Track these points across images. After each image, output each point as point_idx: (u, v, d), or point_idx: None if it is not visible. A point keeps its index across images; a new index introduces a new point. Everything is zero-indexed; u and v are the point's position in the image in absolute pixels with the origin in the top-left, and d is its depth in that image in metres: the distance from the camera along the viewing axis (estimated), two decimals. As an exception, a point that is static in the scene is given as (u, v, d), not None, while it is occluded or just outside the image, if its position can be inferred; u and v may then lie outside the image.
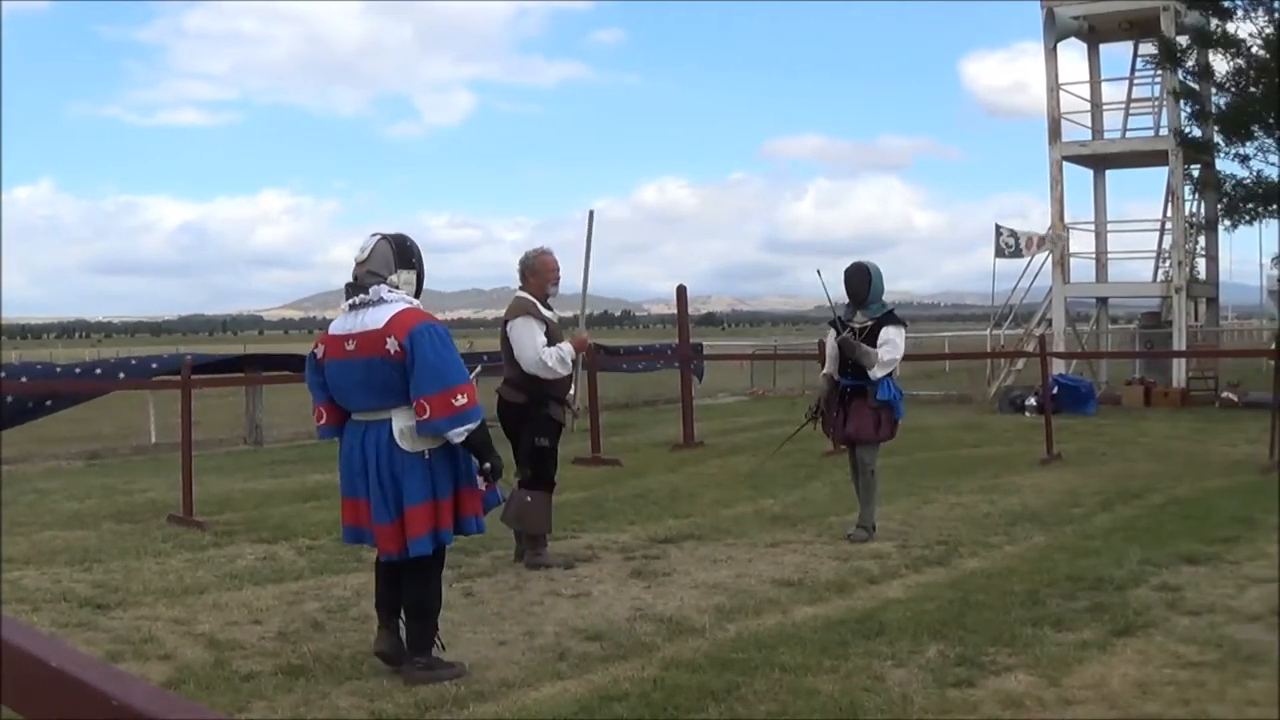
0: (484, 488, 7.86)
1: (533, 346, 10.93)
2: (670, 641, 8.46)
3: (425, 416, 7.26)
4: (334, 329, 7.70)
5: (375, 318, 7.43)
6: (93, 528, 13.43)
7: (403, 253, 7.74)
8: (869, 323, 12.14)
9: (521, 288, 11.31)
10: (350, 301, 7.60)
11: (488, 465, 7.67)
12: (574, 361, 11.24)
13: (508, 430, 11.37)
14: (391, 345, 7.30)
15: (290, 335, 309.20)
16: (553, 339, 11.04)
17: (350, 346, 7.48)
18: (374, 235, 7.80)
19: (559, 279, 11.45)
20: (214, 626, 8.97)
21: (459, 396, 7.30)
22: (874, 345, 11.98)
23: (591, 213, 11.47)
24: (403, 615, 7.85)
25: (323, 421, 7.94)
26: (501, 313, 11.60)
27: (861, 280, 12.23)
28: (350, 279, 7.71)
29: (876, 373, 11.95)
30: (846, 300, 12.41)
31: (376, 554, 7.87)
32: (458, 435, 7.37)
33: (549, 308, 11.33)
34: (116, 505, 15.17)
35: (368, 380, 7.43)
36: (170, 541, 12.41)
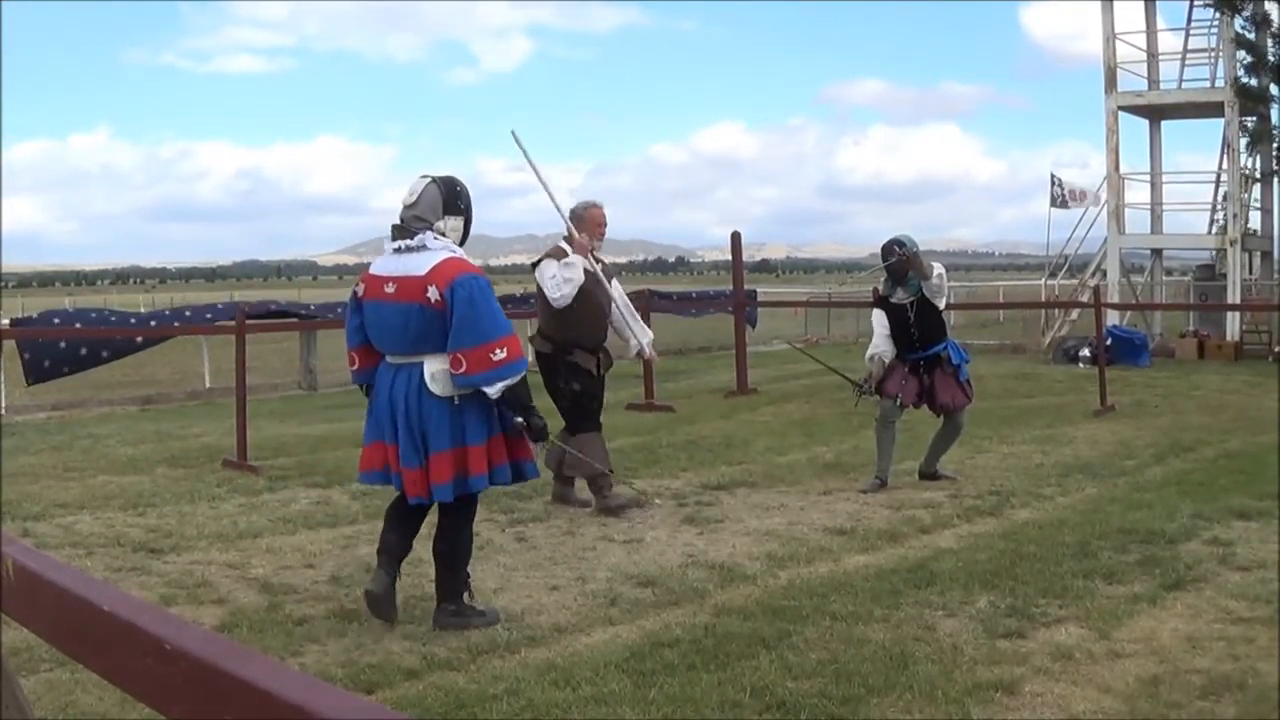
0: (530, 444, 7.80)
1: (546, 279, 11.10)
2: (722, 588, 8.49)
3: (461, 370, 7.21)
4: (375, 269, 7.62)
5: (418, 264, 7.34)
6: (147, 473, 13.54)
7: (452, 198, 7.64)
8: (913, 299, 12.02)
9: (565, 238, 11.38)
10: (395, 245, 7.49)
11: (520, 421, 7.58)
12: (592, 275, 11.26)
13: (544, 379, 11.46)
14: (432, 294, 7.22)
15: (345, 281, 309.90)
16: (584, 287, 11.10)
17: (390, 289, 7.40)
18: (423, 177, 7.68)
19: (604, 233, 11.60)
20: (267, 571, 9.04)
21: (498, 350, 7.23)
22: (928, 318, 12.10)
23: (513, 131, 11.24)
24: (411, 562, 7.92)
25: (355, 366, 7.92)
26: None
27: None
28: (397, 220, 7.60)
29: (934, 284, 11.87)
30: (886, 276, 12.20)
31: (394, 500, 7.93)
32: (494, 391, 7.31)
33: (598, 259, 11.39)
34: (171, 450, 15.29)
35: (404, 325, 7.34)
36: (224, 486, 12.52)
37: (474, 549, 9.70)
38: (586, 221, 11.36)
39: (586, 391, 11.36)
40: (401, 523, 7.90)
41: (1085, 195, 32.69)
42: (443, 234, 7.52)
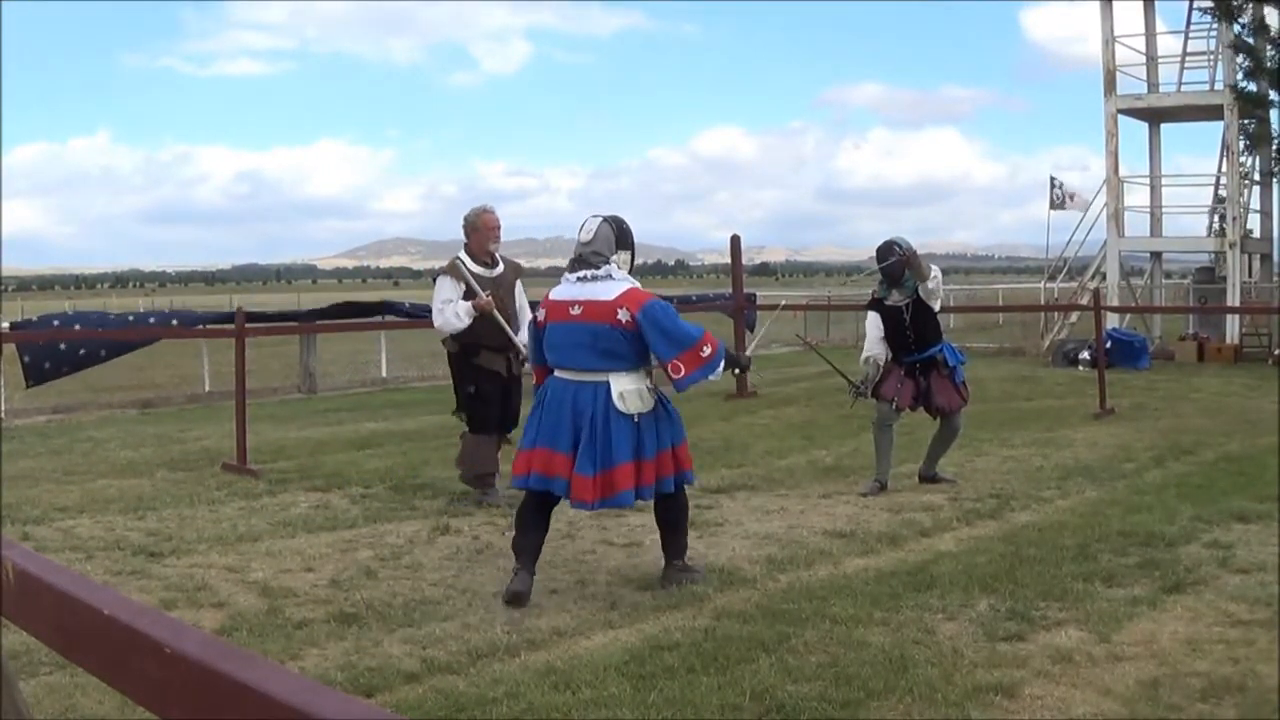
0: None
1: (436, 303, 11.72)
2: (721, 592, 8.47)
3: (681, 375, 8.41)
4: (557, 295, 8.62)
5: (605, 290, 8.39)
6: (147, 476, 13.52)
7: (621, 235, 8.70)
8: (909, 300, 12.05)
9: (465, 245, 11.85)
10: (579, 275, 8.52)
11: (736, 370, 9.79)
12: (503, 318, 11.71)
13: (452, 380, 12.23)
14: (623, 315, 8.27)
15: (344, 284, 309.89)
16: (474, 294, 11.55)
17: (576, 311, 8.40)
18: (595, 216, 8.77)
19: (499, 237, 12.01)
20: (267, 574, 9.03)
21: (705, 348, 8.43)
22: (924, 320, 12.10)
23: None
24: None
25: (537, 383, 8.84)
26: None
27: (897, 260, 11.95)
28: (574, 255, 8.67)
29: (930, 285, 11.88)
30: (882, 278, 12.23)
31: (524, 504, 8.69)
32: (717, 375, 8.64)
33: (491, 264, 11.86)
34: (170, 453, 15.27)
35: (592, 344, 8.30)
36: (224, 489, 12.50)
37: (473, 551, 9.76)
38: (480, 229, 11.68)
39: (481, 395, 11.76)
40: (535, 524, 8.65)
41: (1075, 196, 32.73)
42: (619, 265, 8.63)
